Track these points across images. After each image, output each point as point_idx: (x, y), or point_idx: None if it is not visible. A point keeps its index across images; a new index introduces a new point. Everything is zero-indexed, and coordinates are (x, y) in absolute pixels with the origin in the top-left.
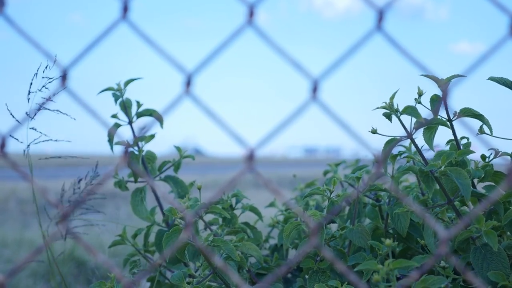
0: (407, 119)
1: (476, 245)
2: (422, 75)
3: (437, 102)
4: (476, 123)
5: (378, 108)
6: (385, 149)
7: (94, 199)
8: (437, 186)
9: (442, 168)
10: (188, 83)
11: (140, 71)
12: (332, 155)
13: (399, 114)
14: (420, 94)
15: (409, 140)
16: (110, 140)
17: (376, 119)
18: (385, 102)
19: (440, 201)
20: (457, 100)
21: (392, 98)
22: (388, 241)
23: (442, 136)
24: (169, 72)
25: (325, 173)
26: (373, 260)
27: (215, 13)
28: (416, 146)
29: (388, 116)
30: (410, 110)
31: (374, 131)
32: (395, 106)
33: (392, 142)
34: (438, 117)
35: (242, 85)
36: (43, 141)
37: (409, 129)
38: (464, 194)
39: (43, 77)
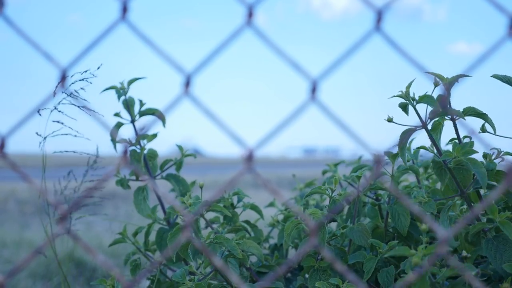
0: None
1: (488, 237)
2: (428, 72)
3: (443, 100)
4: (478, 123)
5: (394, 96)
6: (401, 139)
7: (93, 199)
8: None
9: (457, 158)
10: (187, 83)
11: (139, 71)
12: (331, 155)
13: (415, 103)
14: (436, 84)
15: (412, 136)
16: (113, 140)
17: (376, 119)
18: (401, 91)
19: (440, 200)
20: (456, 100)
21: (408, 87)
22: (424, 226)
23: (444, 136)
24: (168, 73)
25: (324, 172)
26: (404, 246)
27: (214, 14)
28: (430, 136)
29: (403, 107)
30: (427, 99)
31: (390, 120)
32: (412, 95)
33: (408, 132)
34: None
35: (241, 86)
36: (61, 134)
37: (424, 118)
38: (481, 182)
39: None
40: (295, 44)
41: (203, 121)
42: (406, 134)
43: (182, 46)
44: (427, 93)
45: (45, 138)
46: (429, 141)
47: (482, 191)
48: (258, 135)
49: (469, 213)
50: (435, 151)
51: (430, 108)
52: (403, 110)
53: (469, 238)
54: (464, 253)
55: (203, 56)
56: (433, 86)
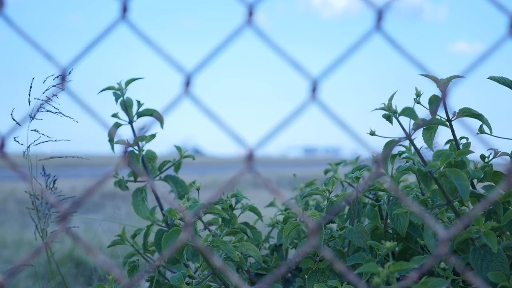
0: (406, 120)
1: (475, 246)
2: (422, 74)
3: (435, 102)
4: (475, 123)
5: (377, 109)
6: (384, 151)
7: (93, 199)
8: (436, 186)
9: (441, 169)
10: (188, 83)
11: (139, 71)
12: (331, 154)
13: (397, 116)
14: (418, 94)
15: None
16: (111, 140)
17: (376, 119)
18: (384, 104)
19: (440, 201)
20: (456, 100)
21: (390, 99)
22: (388, 244)
23: (442, 136)
24: (168, 73)
25: (326, 172)
26: (373, 262)
27: (214, 14)
28: (415, 147)
29: (387, 118)
30: (408, 112)
31: (372, 133)
32: (394, 107)
33: (391, 143)
34: (438, 117)
35: (241, 86)
36: (43, 142)
37: (408, 129)
38: (462, 196)
39: (44, 83)
40: (295, 44)
41: (203, 120)
42: (390, 146)
43: (182, 46)
44: (418, 98)
45: (28, 147)
46: (450, 136)
47: (481, 191)
48: (258, 135)
49: (468, 214)
50: (420, 161)
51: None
52: (387, 120)
53: (454, 246)
54: (443, 264)
55: (203, 56)
56: (434, 87)
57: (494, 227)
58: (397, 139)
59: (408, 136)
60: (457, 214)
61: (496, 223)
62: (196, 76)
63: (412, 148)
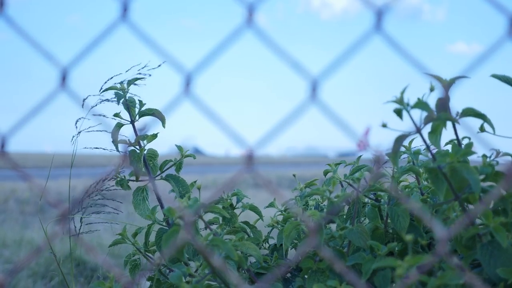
0: (407, 118)
1: (483, 242)
2: (426, 73)
3: (442, 103)
4: (477, 124)
5: (388, 102)
6: (395, 145)
7: (94, 199)
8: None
9: (452, 164)
10: (188, 83)
11: (138, 71)
12: (330, 154)
13: (409, 109)
14: (432, 89)
15: (408, 141)
16: (115, 141)
17: (376, 119)
18: (396, 96)
19: (439, 201)
20: (456, 101)
21: (402, 92)
22: (392, 244)
23: (443, 137)
24: (168, 73)
25: (325, 172)
26: (391, 258)
27: (214, 14)
28: (424, 141)
29: (398, 112)
30: (421, 105)
31: (384, 125)
32: (406, 101)
33: (402, 138)
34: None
35: (241, 86)
36: (96, 131)
37: (414, 124)
38: (474, 189)
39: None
40: (295, 44)
41: (203, 120)
42: (400, 140)
43: (182, 46)
44: (424, 96)
45: (79, 132)
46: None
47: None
48: (258, 135)
49: (466, 216)
50: (430, 156)
51: (425, 113)
52: (397, 115)
53: (463, 242)
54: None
55: (203, 56)
56: (434, 87)
57: (503, 222)
58: (407, 133)
59: (418, 130)
60: (464, 210)
61: (505, 218)
62: (196, 76)
63: (413, 147)
